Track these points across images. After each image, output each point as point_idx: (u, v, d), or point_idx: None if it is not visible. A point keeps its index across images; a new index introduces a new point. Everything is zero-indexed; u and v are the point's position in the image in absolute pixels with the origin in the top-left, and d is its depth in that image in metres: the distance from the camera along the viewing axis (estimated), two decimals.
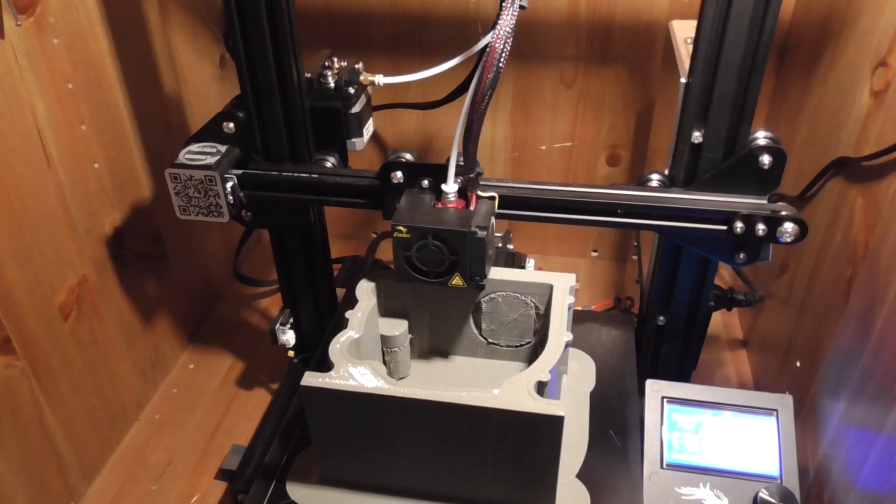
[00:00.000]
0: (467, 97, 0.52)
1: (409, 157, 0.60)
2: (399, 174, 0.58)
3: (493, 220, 0.56)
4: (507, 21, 0.49)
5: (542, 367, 0.52)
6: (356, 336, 0.56)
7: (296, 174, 0.62)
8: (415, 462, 0.54)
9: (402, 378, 0.64)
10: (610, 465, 0.58)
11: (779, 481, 0.56)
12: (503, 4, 0.49)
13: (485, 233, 0.53)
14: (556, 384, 0.54)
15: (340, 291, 0.79)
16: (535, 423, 0.49)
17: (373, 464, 0.55)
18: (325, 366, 0.53)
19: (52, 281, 0.66)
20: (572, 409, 0.62)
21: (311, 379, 0.51)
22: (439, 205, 0.56)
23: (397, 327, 0.61)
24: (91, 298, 0.72)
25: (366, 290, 0.61)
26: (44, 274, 0.65)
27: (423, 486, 0.55)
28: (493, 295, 0.62)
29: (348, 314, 0.58)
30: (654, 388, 0.61)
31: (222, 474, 0.75)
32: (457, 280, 0.55)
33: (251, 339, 0.92)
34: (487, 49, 0.50)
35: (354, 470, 0.55)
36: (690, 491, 0.56)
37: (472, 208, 0.56)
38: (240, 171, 0.62)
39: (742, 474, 0.57)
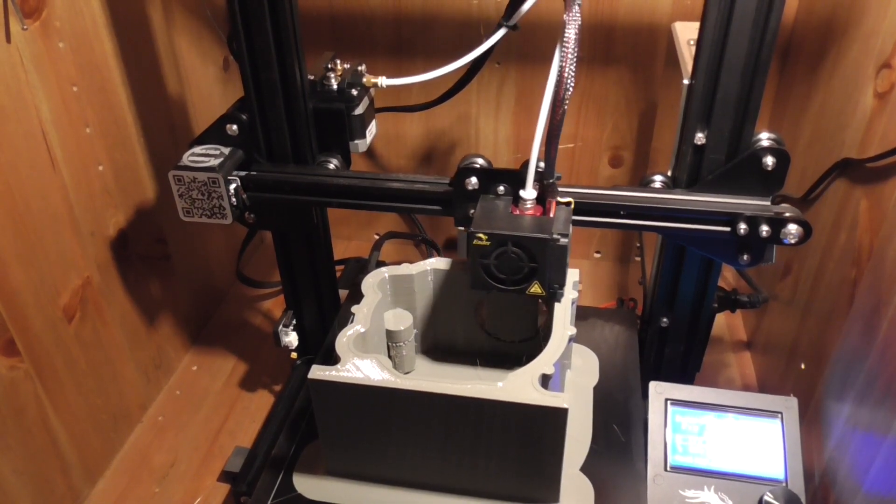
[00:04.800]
0: (547, 97, 0.50)
1: (481, 162, 0.59)
2: (474, 180, 0.57)
3: (570, 226, 0.55)
4: (573, 15, 0.48)
5: (546, 361, 0.52)
6: (362, 330, 0.56)
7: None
8: (420, 454, 0.54)
9: (407, 373, 0.64)
10: (613, 459, 0.58)
11: (784, 484, 0.56)
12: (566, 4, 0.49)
13: (566, 240, 0.52)
14: (559, 378, 0.55)
15: (343, 293, 0.79)
16: (539, 416, 0.49)
17: (378, 456, 0.55)
18: (331, 359, 0.53)
19: (56, 282, 0.66)
20: (576, 404, 0.62)
21: (318, 371, 0.52)
22: (516, 211, 0.55)
23: (402, 322, 0.61)
24: (95, 300, 0.72)
25: (371, 286, 0.61)
26: (48, 275, 0.65)
27: (429, 478, 0.55)
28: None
29: (354, 308, 0.58)
30: (658, 390, 0.61)
31: (225, 476, 0.75)
32: (535, 288, 0.54)
33: (254, 341, 0.92)
34: (561, 43, 0.48)
35: (360, 462, 0.56)
36: (695, 494, 0.56)
37: (550, 215, 0.54)
38: (243, 173, 0.62)
39: (747, 477, 0.56)
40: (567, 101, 0.50)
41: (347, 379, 0.51)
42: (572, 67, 0.49)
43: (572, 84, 0.49)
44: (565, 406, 0.49)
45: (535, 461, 0.52)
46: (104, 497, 0.74)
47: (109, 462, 0.77)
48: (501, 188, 0.57)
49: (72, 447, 0.70)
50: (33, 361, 0.64)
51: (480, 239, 0.53)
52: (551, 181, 0.54)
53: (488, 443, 0.52)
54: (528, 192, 0.55)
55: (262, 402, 0.84)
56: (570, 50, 0.48)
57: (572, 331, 0.55)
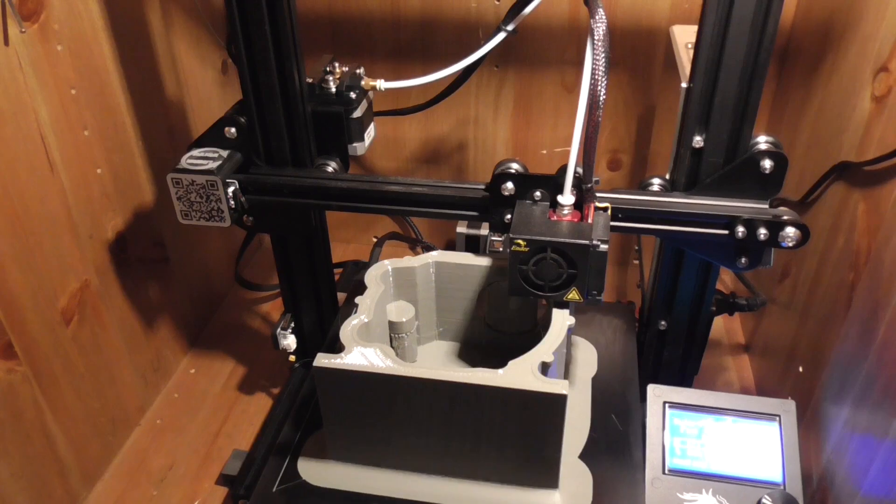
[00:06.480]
0: (582, 101, 0.50)
1: (517, 167, 0.58)
2: (510, 185, 0.57)
3: (609, 232, 0.54)
4: (599, 17, 0.48)
5: (545, 349, 0.53)
6: (366, 320, 0.57)
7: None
8: (423, 441, 0.55)
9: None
10: (611, 447, 0.59)
11: (782, 487, 0.56)
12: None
13: (606, 246, 0.52)
14: (558, 366, 0.56)
15: (342, 296, 0.79)
16: (538, 402, 0.50)
17: (382, 443, 0.56)
18: (334, 350, 0.54)
19: (55, 285, 0.66)
20: (574, 393, 0.64)
21: (323, 360, 0.53)
22: (554, 217, 0.55)
23: (405, 314, 0.62)
24: (93, 303, 0.72)
25: (375, 278, 0.62)
26: (46, 279, 0.65)
27: (431, 463, 0.56)
28: (498, 282, 0.63)
29: (358, 299, 0.59)
30: (656, 393, 0.61)
31: (223, 479, 0.75)
32: (573, 294, 0.54)
33: (252, 344, 0.92)
34: (591, 41, 0.48)
35: (364, 449, 0.57)
36: (693, 497, 0.56)
37: (589, 221, 0.54)
38: (242, 176, 0.62)
39: (745, 480, 0.56)
40: (603, 103, 0.49)
41: (352, 366, 0.52)
42: (604, 70, 0.49)
43: (606, 85, 0.49)
44: (564, 392, 0.50)
45: (534, 447, 0.53)
46: (102, 500, 0.74)
47: (107, 465, 0.77)
48: (538, 193, 0.57)
49: (70, 450, 0.70)
50: (31, 365, 0.64)
51: (519, 245, 0.53)
52: (589, 186, 0.54)
53: (489, 429, 0.53)
54: (566, 198, 0.55)
55: (260, 405, 0.84)
56: (601, 51, 0.48)
57: (571, 321, 0.56)
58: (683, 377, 0.70)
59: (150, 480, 0.76)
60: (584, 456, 0.58)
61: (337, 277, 0.94)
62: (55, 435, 0.68)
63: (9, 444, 0.62)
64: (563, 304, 0.56)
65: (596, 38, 0.48)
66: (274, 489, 0.56)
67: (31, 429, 0.65)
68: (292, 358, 0.77)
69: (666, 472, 0.57)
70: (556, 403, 0.50)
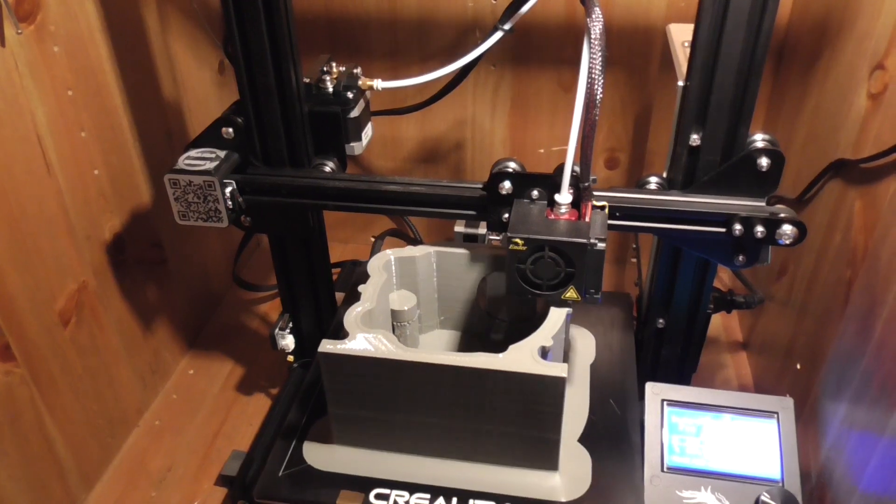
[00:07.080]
0: (579, 100, 0.50)
1: (514, 166, 0.58)
2: (507, 184, 0.57)
3: (607, 231, 0.55)
4: (596, 16, 0.48)
5: (545, 334, 0.54)
6: (370, 307, 0.58)
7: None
8: (425, 424, 0.56)
9: None
10: (609, 431, 0.60)
11: (780, 484, 0.56)
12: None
13: (604, 245, 0.52)
14: (558, 351, 0.57)
15: (340, 296, 0.79)
16: (538, 384, 0.52)
17: (385, 427, 0.57)
18: (339, 336, 0.55)
19: (52, 287, 0.66)
20: (573, 378, 0.65)
21: (328, 345, 0.54)
22: (551, 215, 0.55)
23: (406, 303, 0.63)
24: (91, 304, 0.72)
25: (377, 267, 0.62)
26: (44, 280, 0.65)
27: (434, 447, 0.57)
28: (497, 272, 0.63)
29: (361, 288, 0.60)
30: (655, 391, 0.61)
31: (222, 480, 0.75)
32: (571, 293, 0.54)
33: (251, 345, 0.92)
34: (588, 40, 0.48)
35: (368, 433, 0.58)
36: (692, 494, 0.56)
37: (586, 219, 0.54)
38: (239, 177, 0.62)
39: (743, 477, 0.57)
40: (599, 102, 0.50)
41: (356, 352, 0.53)
42: (601, 69, 0.49)
43: (602, 84, 0.49)
44: (563, 375, 0.51)
45: (535, 429, 0.54)
46: (101, 502, 0.74)
47: (106, 467, 0.77)
48: (535, 192, 0.57)
49: (68, 452, 0.70)
50: (29, 366, 0.64)
51: (517, 244, 0.53)
52: (587, 185, 0.54)
53: (490, 412, 0.54)
54: (564, 197, 0.55)
55: (259, 406, 0.84)
56: (598, 50, 0.48)
57: (569, 308, 0.57)
58: (682, 375, 0.70)
59: (149, 482, 0.76)
60: (584, 439, 0.59)
61: (335, 277, 0.94)
62: (53, 437, 0.68)
63: (7, 446, 0.62)
64: (561, 304, 0.57)
65: (592, 36, 0.48)
66: (280, 473, 0.57)
67: (30, 431, 0.65)
68: (291, 358, 0.77)
69: (665, 469, 0.57)
70: (555, 386, 0.51)
